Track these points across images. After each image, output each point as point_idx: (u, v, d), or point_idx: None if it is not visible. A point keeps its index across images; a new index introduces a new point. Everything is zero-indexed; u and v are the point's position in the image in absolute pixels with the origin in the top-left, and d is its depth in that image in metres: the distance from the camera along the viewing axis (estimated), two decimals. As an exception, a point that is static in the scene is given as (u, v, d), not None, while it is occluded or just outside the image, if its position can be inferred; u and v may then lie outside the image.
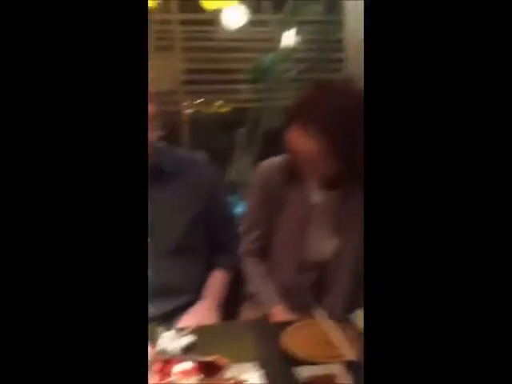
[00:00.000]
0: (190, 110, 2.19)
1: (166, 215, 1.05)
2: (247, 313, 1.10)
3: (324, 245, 1.03)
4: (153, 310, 1.00)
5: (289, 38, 2.11)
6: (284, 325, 0.87)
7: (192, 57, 2.09)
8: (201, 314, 1.00)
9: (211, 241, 1.14)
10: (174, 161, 1.11)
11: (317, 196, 1.02)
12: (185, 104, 2.10)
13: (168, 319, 0.96)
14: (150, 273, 1.03)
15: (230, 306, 1.15)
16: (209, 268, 1.14)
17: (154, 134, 1.06)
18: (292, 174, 1.00)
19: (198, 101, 2.19)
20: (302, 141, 0.91)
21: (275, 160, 1.05)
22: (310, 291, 1.04)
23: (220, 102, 2.34)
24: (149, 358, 0.71)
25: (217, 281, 1.11)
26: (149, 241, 1.03)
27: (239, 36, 2.19)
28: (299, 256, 1.04)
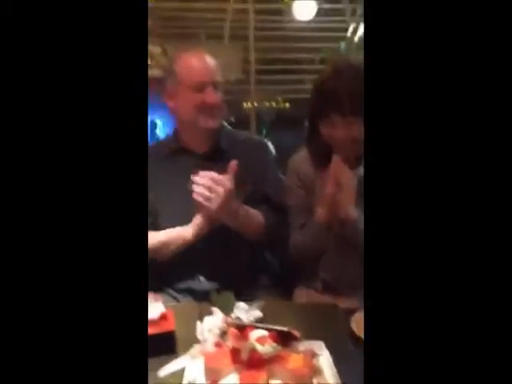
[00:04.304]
0: (255, 104, 2.24)
1: None
2: (301, 296, 1.12)
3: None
4: (207, 284, 1.07)
5: (362, 28, 2.07)
6: (352, 310, 0.87)
7: (264, 46, 2.12)
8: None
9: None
10: (233, 142, 1.16)
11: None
12: (254, 94, 2.15)
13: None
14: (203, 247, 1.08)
15: (288, 288, 1.17)
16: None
17: (217, 121, 1.11)
18: (324, 160, 1.04)
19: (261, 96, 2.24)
20: (337, 128, 0.97)
21: (302, 153, 1.14)
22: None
23: (281, 98, 2.36)
24: (223, 325, 0.75)
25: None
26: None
27: (310, 26, 2.19)
28: None
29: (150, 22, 2.49)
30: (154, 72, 2.44)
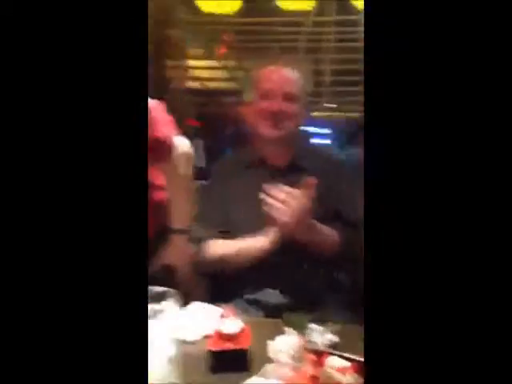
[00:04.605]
0: (329, 116, 2.21)
1: None
2: None
3: None
4: (278, 298, 1.05)
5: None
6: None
7: (338, 58, 2.09)
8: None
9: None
10: (308, 156, 1.15)
11: None
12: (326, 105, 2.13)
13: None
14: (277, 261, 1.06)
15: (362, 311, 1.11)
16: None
17: (279, 131, 1.08)
18: None
19: (329, 105, 2.20)
20: None
21: None
22: None
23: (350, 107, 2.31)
24: (298, 348, 0.73)
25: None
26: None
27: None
28: None
29: (226, 36, 2.58)
30: (229, 85, 2.52)
